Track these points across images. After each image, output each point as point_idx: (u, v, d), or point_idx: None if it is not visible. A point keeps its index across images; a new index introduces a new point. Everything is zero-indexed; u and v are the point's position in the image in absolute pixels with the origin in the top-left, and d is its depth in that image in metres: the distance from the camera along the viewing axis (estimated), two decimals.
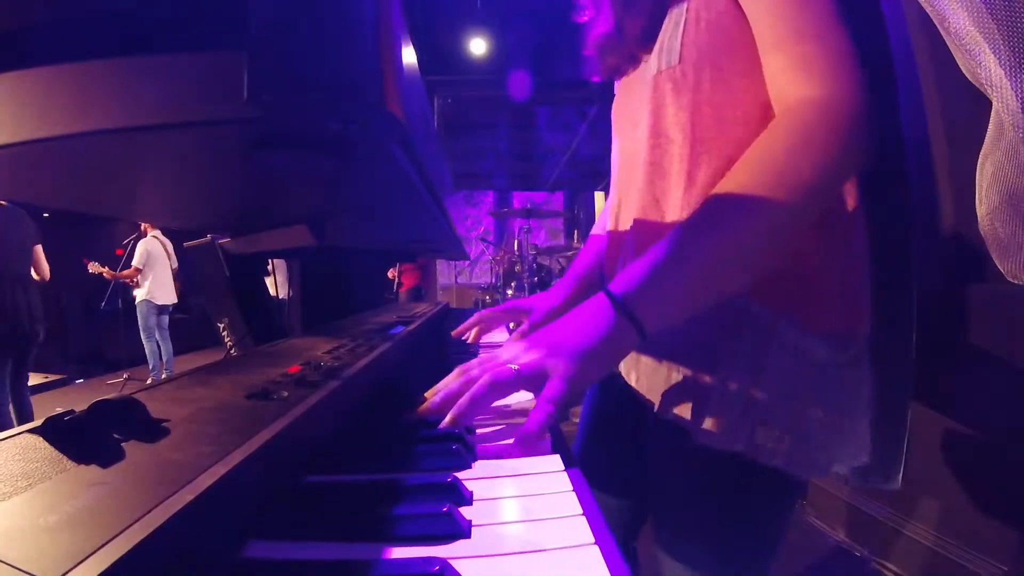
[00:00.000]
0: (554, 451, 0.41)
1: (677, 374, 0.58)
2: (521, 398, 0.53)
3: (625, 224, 0.67)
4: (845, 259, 0.54)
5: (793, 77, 0.49)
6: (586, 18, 0.73)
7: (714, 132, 0.56)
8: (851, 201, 0.54)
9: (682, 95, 0.58)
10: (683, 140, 0.58)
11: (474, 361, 0.49)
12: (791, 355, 0.53)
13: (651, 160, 0.62)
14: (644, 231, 0.62)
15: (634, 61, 0.67)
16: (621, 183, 0.70)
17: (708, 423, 0.54)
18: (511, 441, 0.42)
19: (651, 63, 0.62)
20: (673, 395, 0.58)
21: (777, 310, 0.53)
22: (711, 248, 0.47)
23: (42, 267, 3.01)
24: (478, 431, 0.48)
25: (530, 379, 0.44)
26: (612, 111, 0.74)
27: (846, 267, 0.54)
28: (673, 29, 0.59)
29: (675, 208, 0.59)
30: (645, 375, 0.61)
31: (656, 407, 0.60)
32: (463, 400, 0.44)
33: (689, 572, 0.58)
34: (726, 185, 0.48)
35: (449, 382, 0.49)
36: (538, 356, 0.45)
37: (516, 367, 0.44)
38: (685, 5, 0.58)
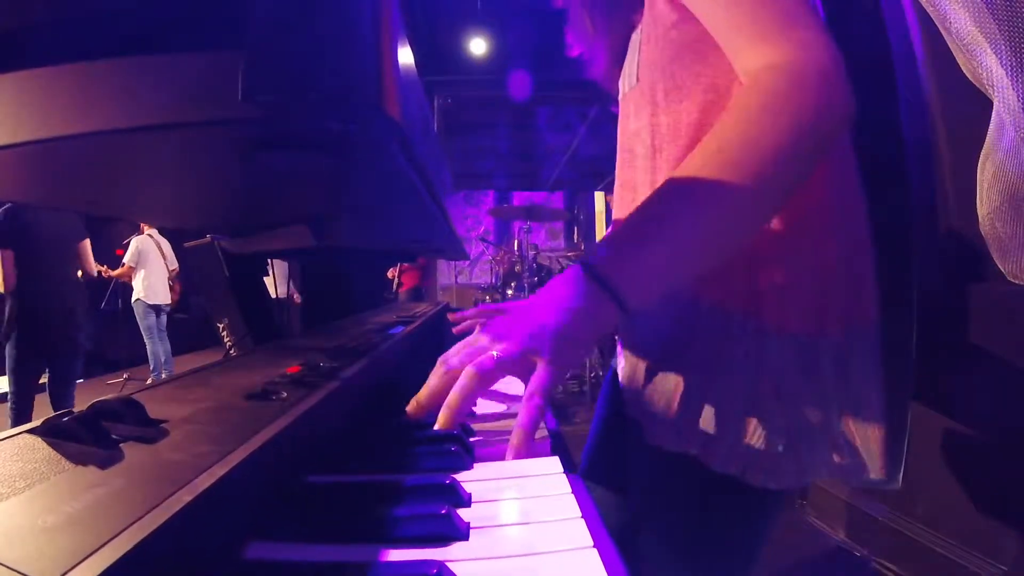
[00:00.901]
0: (553, 453, 0.41)
1: (640, 370, 0.58)
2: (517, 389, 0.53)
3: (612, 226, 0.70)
4: (813, 259, 0.52)
5: (753, 50, 0.47)
6: (576, 53, 0.75)
7: (670, 139, 0.57)
8: (823, 201, 0.52)
9: (642, 112, 0.60)
10: (644, 153, 0.60)
11: (453, 349, 0.46)
12: (746, 357, 0.51)
13: (622, 178, 0.66)
14: None
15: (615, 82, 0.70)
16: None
17: (661, 422, 0.54)
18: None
19: (621, 87, 0.66)
20: (636, 391, 0.58)
21: (735, 309, 0.52)
22: (687, 219, 0.44)
23: (87, 264, 2.82)
24: (476, 431, 0.48)
25: (512, 364, 0.42)
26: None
27: (815, 268, 0.52)
28: (631, 53, 0.63)
29: None
30: (623, 369, 0.62)
31: (626, 402, 0.60)
32: (449, 400, 0.42)
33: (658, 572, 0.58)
34: (697, 155, 0.46)
35: (432, 378, 0.47)
36: (517, 340, 0.42)
37: (496, 353, 0.42)
38: (639, 28, 0.61)
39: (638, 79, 0.61)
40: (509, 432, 0.40)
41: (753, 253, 0.52)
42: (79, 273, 2.80)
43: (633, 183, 0.62)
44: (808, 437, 0.52)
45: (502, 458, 0.40)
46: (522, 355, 0.42)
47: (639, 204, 0.47)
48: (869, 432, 0.53)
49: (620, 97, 0.67)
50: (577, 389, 3.60)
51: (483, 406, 0.59)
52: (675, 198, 0.46)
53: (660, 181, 0.55)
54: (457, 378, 0.43)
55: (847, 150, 0.55)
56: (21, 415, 2.54)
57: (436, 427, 0.42)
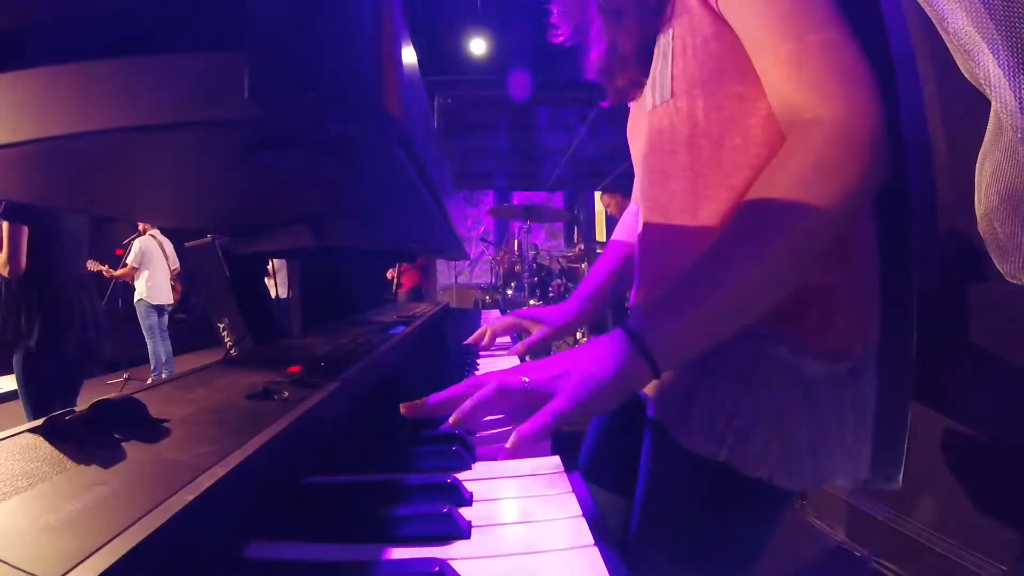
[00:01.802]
0: (554, 452, 0.41)
1: (670, 376, 0.58)
2: None
3: (641, 257, 0.67)
4: (848, 280, 0.53)
5: (796, 87, 0.46)
6: (562, 38, 0.72)
7: (714, 165, 0.54)
8: (858, 229, 0.53)
9: (678, 131, 0.57)
10: (681, 175, 0.57)
11: (485, 375, 0.48)
12: (781, 370, 0.52)
13: (651, 196, 0.61)
14: (648, 266, 0.64)
15: (637, 86, 0.65)
16: (640, 207, 0.69)
17: (693, 428, 0.54)
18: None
19: (646, 97, 0.62)
20: (664, 396, 0.59)
21: (771, 327, 0.52)
22: (726, 288, 0.45)
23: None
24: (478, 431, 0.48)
25: (538, 394, 0.44)
26: (627, 129, 0.74)
27: (849, 289, 0.53)
28: (663, 61, 0.58)
29: (678, 246, 0.58)
30: None
31: (649, 406, 0.60)
32: (468, 402, 0.43)
33: (663, 573, 0.58)
34: (740, 219, 0.47)
35: (457, 386, 0.47)
36: (550, 374, 0.44)
37: (526, 379, 0.44)
38: (671, 33, 0.56)
39: (673, 93, 0.57)
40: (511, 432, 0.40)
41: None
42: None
43: (665, 207, 0.59)
44: (833, 444, 0.53)
45: (498, 457, 0.40)
46: (548, 388, 0.43)
47: (681, 274, 0.47)
48: (868, 435, 0.55)
49: (647, 107, 0.62)
50: None
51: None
52: (712, 267, 0.46)
53: (701, 208, 0.55)
54: (479, 390, 0.44)
55: None
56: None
57: (444, 427, 0.43)
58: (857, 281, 0.54)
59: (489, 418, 0.49)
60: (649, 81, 0.61)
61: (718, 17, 0.52)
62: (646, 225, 0.63)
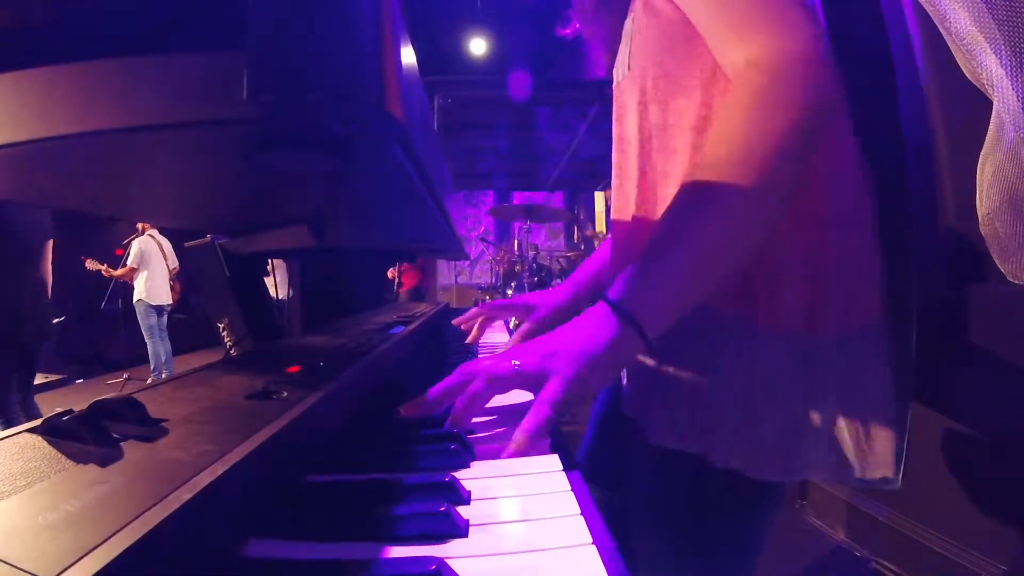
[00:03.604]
0: (553, 451, 0.41)
1: (637, 369, 0.59)
2: (525, 397, 0.53)
3: (612, 229, 0.70)
4: (806, 257, 0.52)
5: (734, 42, 0.47)
6: (570, 31, 0.75)
7: (660, 128, 0.58)
8: (817, 198, 0.52)
9: (632, 100, 0.61)
10: (635, 141, 0.61)
11: (475, 361, 0.48)
12: (741, 355, 0.51)
13: (618, 163, 0.66)
14: (619, 234, 0.66)
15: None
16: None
17: (658, 421, 0.55)
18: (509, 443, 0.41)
19: (615, 76, 0.66)
20: (635, 390, 0.59)
21: (725, 307, 0.52)
22: (695, 239, 0.45)
23: (46, 264, 2.70)
24: (478, 431, 0.48)
25: (529, 377, 0.44)
26: None
27: (808, 264, 0.52)
28: (624, 41, 0.63)
29: (635, 208, 0.61)
30: (626, 370, 0.63)
31: (625, 402, 0.60)
32: (461, 398, 0.44)
33: (657, 572, 0.58)
34: (695, 172, 0.47)
35: (449, 378, 0.48)
36: (539, 356, 0.44)
37: (517, 363, 0.44)
38: (631, 17, 0.61)
39: (629, 68, 0.61)
40: (511, 432, 0.40)
41: None
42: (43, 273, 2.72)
43: (626, 170, 0.64)
44: (804, 434, 0.52)
45: (501, 457, 0.40)
46: (541, 370, 0.43)
47: (651, 236, 0.47)
48: (874, 432, 0.53)
49: (614, 86, 0.67)
50: None
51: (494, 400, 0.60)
52: (680, 221, 0.46)
53: (649, 170, 0.59)
54: (472, 381, 0.45)
55: (847, 148, 0.55)
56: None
57: (448, 423, 0.43)
58: (813, 254, 0.52)
59: (484, 419, 0.49)
60: (616, 61, 0.66)
61: (669, 1, 0.55)
62: (613, 193, 0.67)
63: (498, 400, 0.47)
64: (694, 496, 0.56)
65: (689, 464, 0.53)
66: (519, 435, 0.40)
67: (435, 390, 0.47)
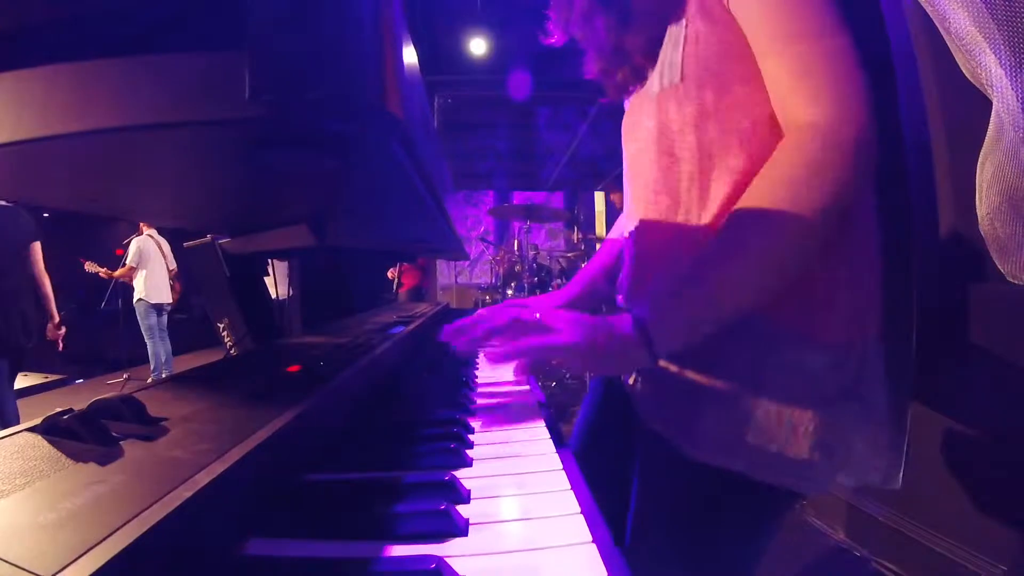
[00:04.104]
0: (558, 449, 0.41)
1: (672, 384, 0.57)
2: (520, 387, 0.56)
3: (636, 239, 0.67)
4: (848, 271, 0.53)
5: (795, 90, 0.48)
6: (554, 39, 0.73)
7: (721, 147, 0.55)
8: (859, 216, 0.53)
9: (686, 113, 0.57)
10: (690, 158, 0.58)
11: (499, 305, 0.55)
12: (792, 369, 0.52)
13: (657, 179, 0.62)
14: (647, 249, 0.64)
15: (640, 78, 0.66)
16: (631, 198, 0.69)
17: (703, 438, 0.54)
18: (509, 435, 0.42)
19: (653, 82, 0.62)
20: (666, 406, 0.58)
21: (781, 322, 0.52)
22: (725, 282, 0.49)
23: (38, 266, 2.77)
24: (479, 401, 0.54)
25: (547, 327, 0.49)
26: (622, 127, 0.73)
27: (849, 279, 0.53)
28: (673, 47, 0.59)
29: (688, 226, 0.58)
30: (643, 380, 0.62)
31: (646, 415, 0.60)
32: (481, 327, 0.50)
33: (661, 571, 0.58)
34: (736, 219, 0.49)
35: (497, 317, 0.54)
36: (561, 316, 0.50)
37: (539, 316, 0.50)
38: (684, 22, 0.58)
39: (682, 76, 0.57)
40: (507, 414, 0.47)
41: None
42: (32, 275, 2.75)
43: (675, 190, 0.60)
44: (843, 443, 0.53)
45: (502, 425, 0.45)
46: (556, 323, 0.49)
47: (685, 266, 0.51)
48: (878, 434, 0.54)
49: (654, 91, 0.62)
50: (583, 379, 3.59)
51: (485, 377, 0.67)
52: (715, 262, 0.50)
53: (710, 191, 0.56)
54: (495, 317, 0.52)
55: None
56: None
57: (459, 345, 0.52)
58: (858, 275, 0.54)
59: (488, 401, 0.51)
60: (657, 67, 0.62)
61: (727, 11, 0.54)
62: (650, 208, 0.63)
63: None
64: (712, 502, 0.56)
65: (726, 478, 0.53)
66: (512, 346, 0.47)
67: (458, 323, 0.54)
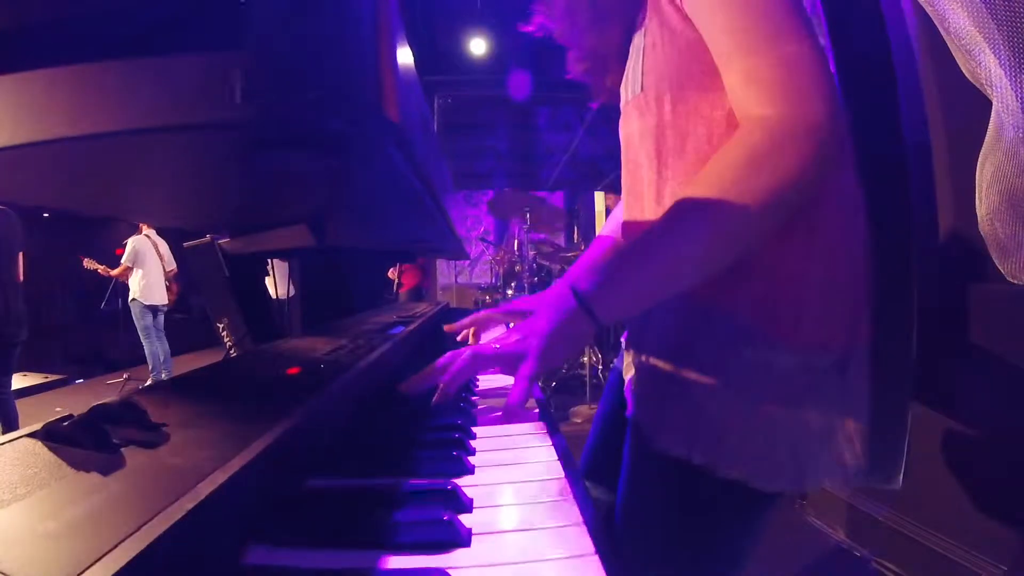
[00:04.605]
0: (559, 457, 0.41)
1: (645, 374, 0.59)
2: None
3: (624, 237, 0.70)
4: (823, 274, 0.53)
5: (747, 92, 0.49)
6: (533, 27, 0.73)
7: (677, 154, 0.57)
8: (833, 218, 0.53)
9: (647, 121, 0.59)
10: (649, 165, 0.60)
11: (461, 349, 0.56)
12: (757, 367, 0.52)
13: (627, 184, 0.66)
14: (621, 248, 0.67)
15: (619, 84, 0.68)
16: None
17: (667, 428, 0.55)
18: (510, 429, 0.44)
19: (623, 93, 0.65)
20: (641, 396, 0.59)
21: (747, 322, 0.52)
22: (660, 259, 0.50)
23: (18, 272, 2.80)
24: (481, 404, 0.56)
25: (507, 356, 0.51)
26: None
27: (824, 282, 0.53)
28: (635, 58, 0.60)
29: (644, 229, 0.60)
30: (627, 372, 0.63)
31: (628, 407, 0.60)
32: (446, 374, 0.52)
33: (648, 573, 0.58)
34: (677, 204, 0.51)
35: (439, 360, 0.56)
36: (515, 337, 0.52)
37: (497, 346, 0.52)
38: (643, 31, 0.59)
39: (643, 87, 0.59)
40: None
41: (767, 266, 0.52)
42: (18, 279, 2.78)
43: (639, 192, 0.63)
44: (810, 443, 0.52)
45: (504, 430, 0.48)
46: (516, 349, 0.51)
47: (628, 244, 0.52)
48: (861, 435, 0.54)
49: (622, 103, 0.65)
50: (584, 370, 3.59)
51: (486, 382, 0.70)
52: (651, 243, 0.52)
53: (665, 195, 0.58)
54: (458, 359, 0.53)
55: (850, 168, 0.55)
56: None
57: (434, 401, 0.52)
58: (829, 274, 0.53)
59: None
60: (624, 78, 0.64)
61: (684, 17, 0.54)
62: (625, 212, 0.68)
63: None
64: (695, 503, 0.56)
65: (692, 471, 0.53)
66: (508, 405, 0.48)
67: (427, 370, 0.55)
